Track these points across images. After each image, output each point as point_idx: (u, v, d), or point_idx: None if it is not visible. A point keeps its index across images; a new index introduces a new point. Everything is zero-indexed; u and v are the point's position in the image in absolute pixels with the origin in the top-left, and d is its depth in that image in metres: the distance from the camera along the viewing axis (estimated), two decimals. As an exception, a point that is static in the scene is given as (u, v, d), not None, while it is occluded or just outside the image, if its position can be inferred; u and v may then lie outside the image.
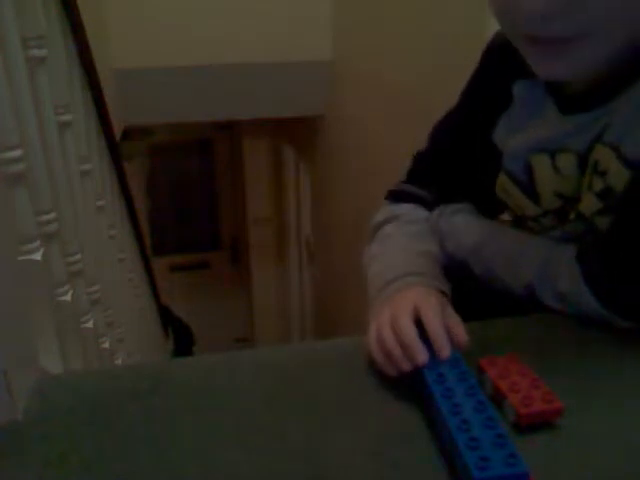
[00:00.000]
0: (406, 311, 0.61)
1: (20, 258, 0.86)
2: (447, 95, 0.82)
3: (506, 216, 0.84)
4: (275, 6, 3.25)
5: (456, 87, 0.81)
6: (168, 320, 3.85)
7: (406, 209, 0.83)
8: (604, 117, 0.63)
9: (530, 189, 0.73)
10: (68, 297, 1.08)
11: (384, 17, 2.60)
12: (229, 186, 5.98)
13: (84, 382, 0.66)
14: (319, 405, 0.60)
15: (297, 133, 4.49)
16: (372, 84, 2.82)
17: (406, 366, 0.58)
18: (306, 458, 0.53)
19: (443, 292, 0.69)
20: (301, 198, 4.90)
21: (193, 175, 5.99)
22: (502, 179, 0.76)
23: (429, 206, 0.83)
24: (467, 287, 0.79)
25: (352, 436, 0.55)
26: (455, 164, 0.81)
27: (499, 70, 0.73)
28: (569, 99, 0.67)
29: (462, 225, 0.79)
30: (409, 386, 0.59)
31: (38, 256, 0.91)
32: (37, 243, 0.92)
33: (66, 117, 1.20)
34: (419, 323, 0.60)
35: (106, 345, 1.41)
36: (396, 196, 0.85)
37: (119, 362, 1.56)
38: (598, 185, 0.65)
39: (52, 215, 1.05)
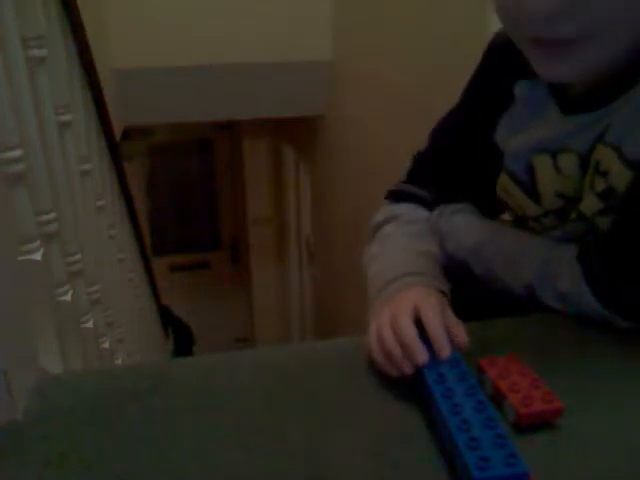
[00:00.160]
0: (406, 311, 0.60)
1: (20, 258, 0.86)
2: (447, 95, 0.82)
3: (506, 216, 0.84)
4: (275, 6, 3.25)
5: (456, 87, 0.81)
6: (168, 320, 3.85)
7: (406, 209, 0.83)
8: (605, 117, 0.63)
9: (531, 189, 0.73)
10: (68, 297, 1.08)
11: (384, 17, 2.60)
12: (229, 186, 5.98)
13: (84, 382, 0.66)
14: (319, 405, 0.60)
15: (297, 133, 4.49)
16: (372, 84, 2.82)
17: (406, 366, 0.58)
18: (306, 458, 0.53)
19: (443, 292, 0.69)
20: (301, 198, 4.90)
21: (193, 175, 5.99)
22: (503, 179, 0.76)
23: (429, 206, 0.83)
24: (467, 287, 0.79)
25: (352, 436, 0.55)
26: (455, 164, 0.81)
27: (500, 70, 0.73)
28: (571, 99, 0.67)
29: (462, 225, 0.79)
30: (409, 386, 0.59)
31: (38, 256, 0.91)
32: (37, 243, 0.92)
33: (66, 117, 1.20)
34: (419, 323, 0.60)
35: (106, 345, 1.41)
36: (396, 196, 0.85)
37: (119, 362, 1.56)
38: (600, 185, 0.65)
39: (52, 215, 1.05)
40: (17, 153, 0.90)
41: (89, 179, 1.42)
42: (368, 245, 0.83)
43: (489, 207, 0.82)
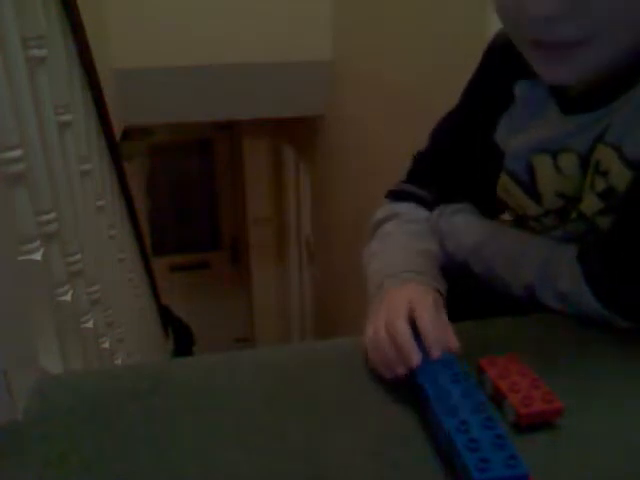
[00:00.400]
0: (401, 312, 0.61)
1: (20, 258, 0.86)
2: (447, 95, 0.82)
3: (506, 216, 0.84)
4: (275, 6, 3.25)
5: (456, 87, 0.81)
6: (168, 320, 3.85)
7: (407, 208, 0.83)
8: (605, 117, 0.63)
9: (532, 189, 0.73)
10: (68, 297, 1.08)
11: (384, 17, 2.60)
12: (229, 186, 5.98)
13: (84, 382, 0.66)
14: (319, 405, 0.60)
15: (297, 133, 4.49)
16: (372, 84, 2.82)
17: (400, 368, 0.58)
18: (306, 458, 0.53)
19: (440, 292, 0.69)
20: (301, 198, 4.90)
21: (193, 175, 5.99)
22: (504, 179, 0.76)
23: (429, 206, 0.83)
24: (467, 287, 0.79)
25: (352, 436, 0.55)
26: (456, 164, 0.81)
27: (500, 70, 0.73)
28: (571, 99, 0.67)
29: (462, 225, 0.79)
30: (408, 388, 0.59)
31: (38, 256, 0.91)
32: (37, 243, 0.92)
33: (66, 117, 1.20)
34: (414, 323, 0.60)
35: (106, 345, 1.41)
36: (396, 195, 0.86)
37: (119, 362, 1.56)
38: (600, 185, 0.65)
39: (52, 215, 1.05)
40: (17, 153, 0.90)
41: (89, 179, 1.42)
42: (368, 242, 0.83)
43: (489, 207, 0.82)
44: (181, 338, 4.21)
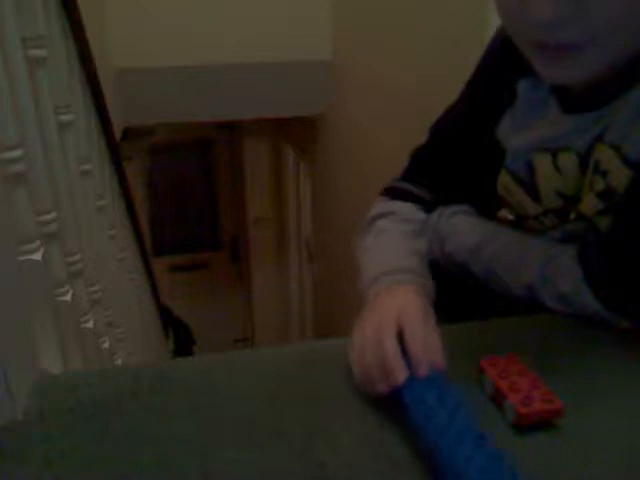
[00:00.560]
0: (390, 328, 0.59)
1: (20, 258, 0.86)
2: (447, 95, 0.82)
3: (505, 212, 0.84)
4: (275, 6, 3.25)
5: (456, 87, 0.81)
6: (168, 320, 3.85)
7: (404, 207, 0.83)
8: (605, 117, 0.63)
9: (531, 188, 0.73)
10: (68, 297, 1.08)
11: (384, 17, 2.60)
12: (229, 186, 5.98)
13: (84, 382, 0.66)
14: (319, 405, 0.60)
15: (297, 133, 4.49)
16: (372, 84, 2.82)
17: (383, 387, 0.56)
18: (306, 458, 0.53)
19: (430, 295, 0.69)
20: (301, 198, 4.90)
21: (193, 175, 5.99)
22: (504, 177, 0.76)
23: (427, 206, 0.82)
24: (467, 287, 0.79)
25: (352, 436, 0.55)
26: (456, 160, 0.81)
27: (503, 66, 0.73)
28: (571, 98, 0.67)
29: (462, 225, 0.79)
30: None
31: (38, 256, 0.91)
32: (37, 243, 0.92)
33: (66, 117, 1.20)
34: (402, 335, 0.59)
35: (106, 345, 1.41)
36: (394, 194, 0.85)
37: (119, 362, 1.55)
38: (599, 185, 0.65)
39: (52, 215, 1.05)
40: (17, 153, 0.90)
41: (89, 179, 1.42)
42: (361, 236, 0.83)
43: (487, 204, 0.82)
44: (181, 338, 4.21)
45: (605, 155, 0.63)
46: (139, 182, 5.21)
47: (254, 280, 5.81)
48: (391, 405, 0.58)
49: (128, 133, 3.49)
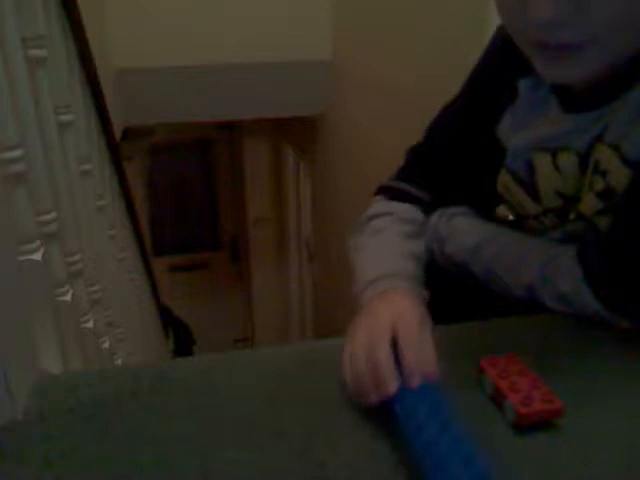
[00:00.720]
0: (383, 337, 0.57)
1: (20, 258, 0.86)
2: (447, 95, 0.82)
3: (507, 215, 0.84)
4: (275, 6, 3.25)
5: (456, 87, 0.81)
6: (168, 320, 3.85)
7: (402, 208, 0.81)
8: (605, 117, 0.63)
9: (531, 187, 0.73)
10: (68, 297, 1.08)
11: (384, 17, 2.60)
12: (229, 186, 5.98)
13: (84, 382, 0.66)
14: (319, 405, 0.60)
15: (297, 133, 4.49)
16: (372, 84, 2.82)
17: (373, 397, 0.55)
18: (306, 458, 0.53)
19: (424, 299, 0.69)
20: (301, 198, 4.90)
21: (193, 175, 5.99)
22: (504, 177, 0.76)
23: (426, 206, 0.81)
24: (467, 287, 0.79)
25: (352, 436, 0.55)
26: (455, 158, 0.80)
27: (504, 65, 0.73)
28: (572, 98, 0.67)
29: (462, 226, 0.79)
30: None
31: (38, 256, 0.91)
32: (37, 243, 0.92)
33: (66, 117, 1.20)
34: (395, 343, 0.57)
35: (106, 345, 1.41)
36: (392, 194, 0.83)
37: (119, 362, 1.56)
38: (599, 185, 0.65)
39: (52, 215, 1.05)
40: (17, 153, 0.90)
41: (89, 179, 1.42)
42: (356, 236, 0.81)
43: (487, 203, 0.82)
44: (181, 338, 4.21)
45: (605, 155, 0.63)
46: (139, 182, 5.22)
47: (254, 280, 5.81)
48: (391, 404, 0.58)
49: (128, 133, 3.49)
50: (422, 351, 0.56)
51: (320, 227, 4.23)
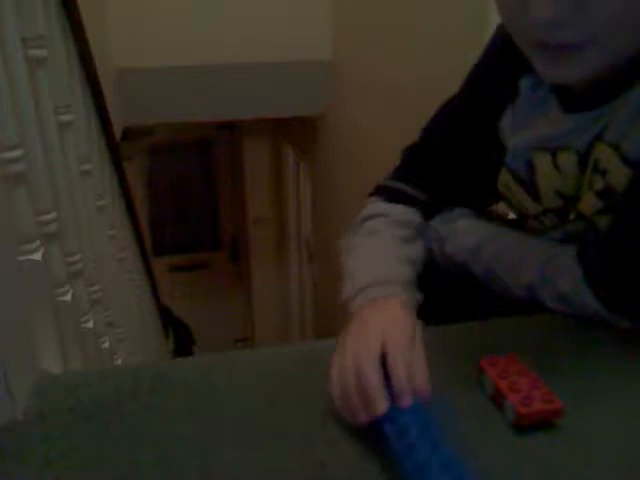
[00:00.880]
0: (372, 352, 0.56)
1: (20, 258, 0.86)
2: (447, 95, 0.82)
3: (508, 214, 0.84)
4: (275, 6, 3.25)
5: (456, 87, 0.81)
6: (168, 320, 3.85)
7: (397, 209, 0.79)
8: (605, 116, 0.63)
9: (531, 187, 0.73)
10: (68, 297, 1.08)
11: (384, 17, 2.60)
12: (229, 186, 5.98)
13: (84, 382, 0.66)
14: (319, 405, 0.60)
15: (297, 133, 4.49)
16: (372, 84, 2.82)
17: (363, 417, 0.54)
18: (306, 458, 0.53)
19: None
20: (301, 198, 4.89)
21: (193, 175, 5.99)
22: (505, 176, 0.75)
23: (422, 206, 0.80)
24: (467, 287, 0.78)
25: (352, 436, 0.55)
26: (453, 156, 0.79)
27: (504, 64, 0.73)
28: (572, 97, 0.67)
29: (463, 226, 0.79)
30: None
31: (38, 256, 0.91)
32: (37, 243, 0.92)
33: (66, 117, 1.20)
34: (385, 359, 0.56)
35: (106, 345, 1.41)
36: (388, 194, 0.81)
37: (119, 362, 1.55)
38: (598, 184, 0.65)
39: (52, 215, 1.04)
40: (17, 153, 0.90)
41: (89, 179, 1.42)
42: (349, 237, 0.80)
43: (482, 203, 0.81)
44: (181, 338, 4.21)
45: (604, 154, 0.63)
46: (139, 182, 5.21)
47: (254, 280, 5.81)
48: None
49: (128, 133, 3.49)
50: (413, 367, 0.55)
51: (320, 227, 4.23)
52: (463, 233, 0.78)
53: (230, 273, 6.19)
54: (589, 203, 0.67)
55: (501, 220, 0.85)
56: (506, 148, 0.74)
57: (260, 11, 3.24)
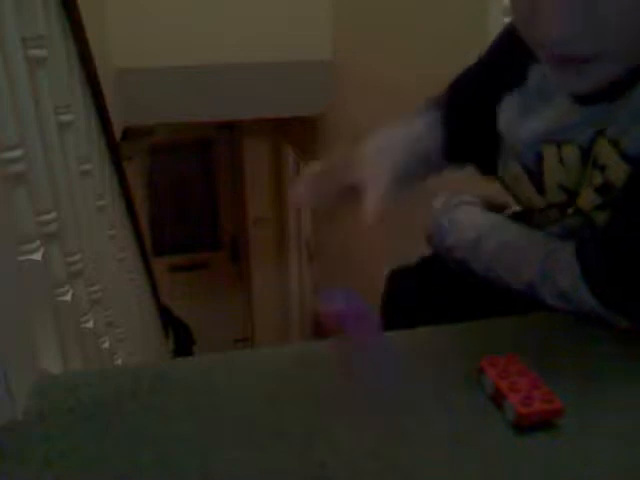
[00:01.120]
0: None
1: (20, 258, 0.86)
2: (447, 95, 0.82)
3: (514, 206, 0.84)
4: (275, 6, 3.26)
5: (456, 87, 0.81)
6: (168, 320, 3.85)
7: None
8: (611, 111, 0.63)
9: (538, 180, 0.73)
10: (68, 297, 1.08)
11: (384, 17, 2.60)
12: (229, 186, 5.98)
13: (84, 382, 0.66)
14: (319, 405, 0.60)
15: (297, 133, 4.49)
16: (372, 84, 2.82)
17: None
18: (306, 458, 0.53)
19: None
20: (301, 198, 4.88)
21: (193, 175, 6.00)
22: (515, 168, 0.75)
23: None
24: (467, 285, 0.79)
25: (352, 436, 0.55)
26: (472, 105, 0.81)
27: (517, 49, 0.72)
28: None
29: (463, 219, 0.79)
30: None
31: (38, 256, 0.91)
32: (37, 243, 0.92)
33: (66, 117, 1.20)
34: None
35: (106, 345, 1.41)
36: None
37: (119, 362, 1.56)
38: (597, 179, 0.65)
39: (52, 215, 1.05)
40: (17, 153, 0.90)
41: (89, 179, 1.42)
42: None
43: (489, 166, 0.82)
44: (181, 338, 4.22)
45: (604, 149, 0.63)
46: (139, 182, 5.22)
47: (254, 280, 5.82)
48: (391, 404, 0.58)
49: (128, 133, 3.49)
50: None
51: (320, 227, 4.23)
52: (463, 226, 0.78)
53: (230, 273, 6.19)
54: (588, 198, 0.67)
55: (501, 210, 0.85)
56: (500, 135, 0.74)
57: (260, 11, 3.24)
